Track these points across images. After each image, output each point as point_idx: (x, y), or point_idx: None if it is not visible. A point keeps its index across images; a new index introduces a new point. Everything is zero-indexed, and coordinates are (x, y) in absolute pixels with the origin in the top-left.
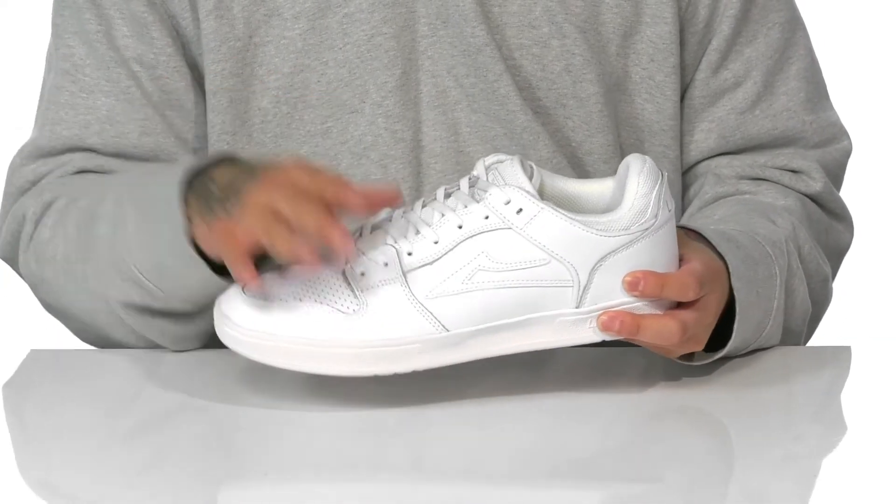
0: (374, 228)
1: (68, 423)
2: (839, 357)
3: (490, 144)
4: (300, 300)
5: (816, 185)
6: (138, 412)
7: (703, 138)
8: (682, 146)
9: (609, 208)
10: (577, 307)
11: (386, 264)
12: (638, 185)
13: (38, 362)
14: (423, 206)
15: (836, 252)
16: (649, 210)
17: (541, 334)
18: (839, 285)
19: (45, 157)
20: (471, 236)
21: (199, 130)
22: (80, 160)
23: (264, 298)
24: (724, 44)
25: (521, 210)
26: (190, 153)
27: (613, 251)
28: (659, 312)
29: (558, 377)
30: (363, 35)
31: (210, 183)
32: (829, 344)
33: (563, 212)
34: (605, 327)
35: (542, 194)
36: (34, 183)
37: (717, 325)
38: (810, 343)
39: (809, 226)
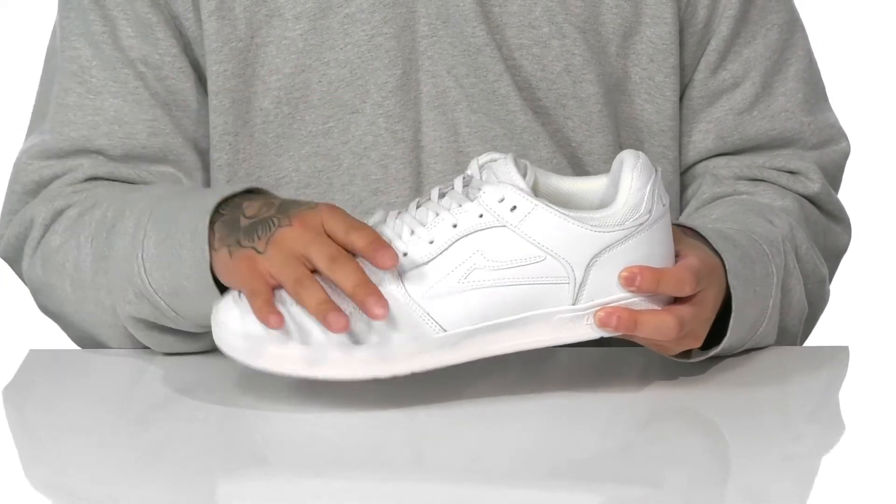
0: None
1: (68, 422)
2: (837, 357)
3: (490, 144)
4: (296, 305)
5: (814, 186)
6: (138, 411)
7: (701, 139)
8: (680, 147)
9: (603, 205)
10: (573, 304)
11: None
12: (632, 181)
13: (38, 362)
14: (418, 207)
15: (833, 253)
16: (643, 205)
17: (538, 332)
18: (837, 286)
19: (52, 158)
20: (465, 235)
21: (204, 131)
22: (89, 167)
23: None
24: (722, 44)
25: (514, 207)
26: (198, 153)
27: (608, 247)
28: (656, 308)
29: (558, 377)
30: (364, 35)
31: (239, 213)
32: (826, 344)
33: (557, 208)
34: (602, 323)
35: (536, 192)
36: (39, 183)
37: (713, 323)
38: (807, 344)
39: (807, 226)
